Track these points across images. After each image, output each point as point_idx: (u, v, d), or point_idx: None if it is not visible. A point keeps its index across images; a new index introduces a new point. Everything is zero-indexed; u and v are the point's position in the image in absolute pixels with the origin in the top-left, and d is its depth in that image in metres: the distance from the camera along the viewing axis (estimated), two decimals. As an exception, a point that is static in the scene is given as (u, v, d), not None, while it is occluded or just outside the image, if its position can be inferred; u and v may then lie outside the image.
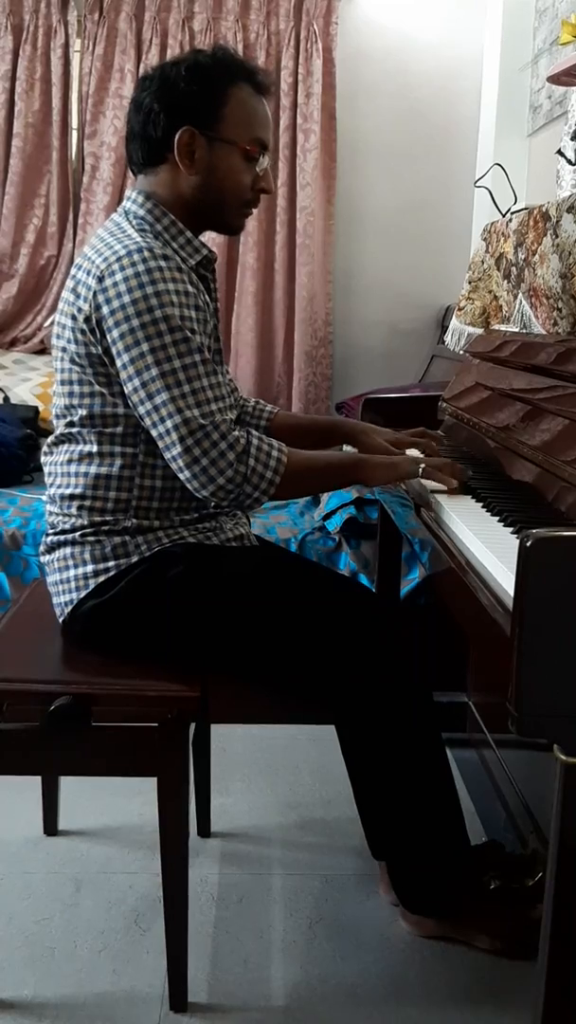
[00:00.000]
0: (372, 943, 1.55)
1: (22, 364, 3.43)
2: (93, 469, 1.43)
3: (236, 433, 1.37)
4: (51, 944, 1.54)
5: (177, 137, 1.41)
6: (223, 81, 1.42)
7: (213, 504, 1.46)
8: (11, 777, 1.47)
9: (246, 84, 1.44)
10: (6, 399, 3.25)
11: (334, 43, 3.40)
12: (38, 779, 1.78)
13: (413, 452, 1.64)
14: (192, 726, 1.51)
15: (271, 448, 1.40)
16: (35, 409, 3.21)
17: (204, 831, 1.85)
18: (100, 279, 1.35)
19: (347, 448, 1.71)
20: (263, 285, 3.49)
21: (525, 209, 1.92)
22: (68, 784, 1.85)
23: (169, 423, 1.33)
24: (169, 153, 1.43)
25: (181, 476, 1.37)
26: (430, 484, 1.49)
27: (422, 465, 1.48)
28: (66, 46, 3.40)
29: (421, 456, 1.55)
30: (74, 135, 3.46)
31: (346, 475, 1.51)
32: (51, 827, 1.83)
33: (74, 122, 3.45)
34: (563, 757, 0.91)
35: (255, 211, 1.55)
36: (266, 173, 1.48)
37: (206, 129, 1.42)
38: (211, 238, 1.54)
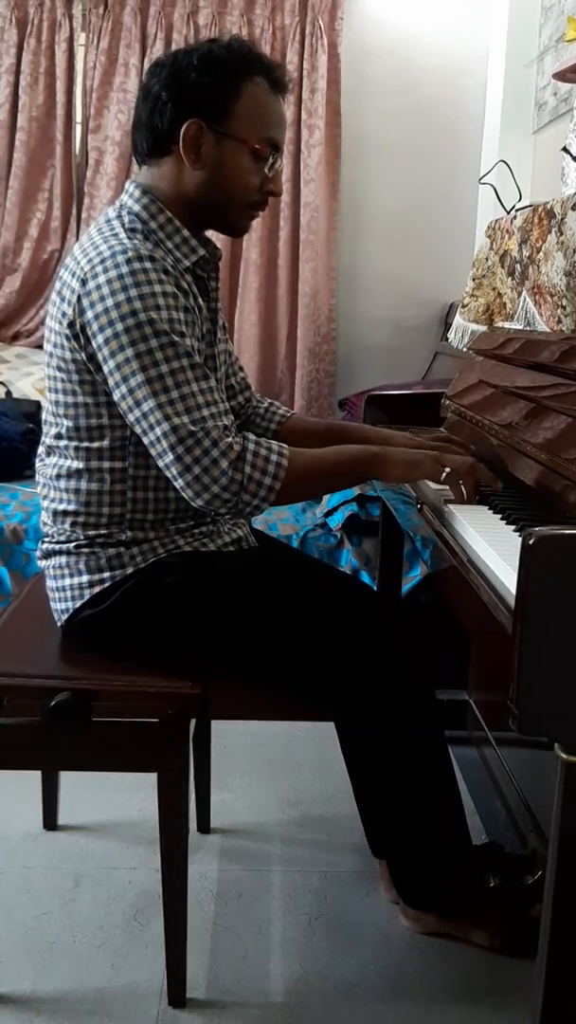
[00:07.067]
0: (371, 940, 1.55)
1: (24, 358, 3.42)
2: (84, 485, 1.40)
3: (230, 439, 1.31)
4: (50, 939, 1.54)
5: (183, 129, 1.35)
6: (237, 74, 1.35)
7: (212, 512, 1.41)
8: (11, 772, 1.47)
9: (262, 79, 1.37)
10: (8, 393, 3.24)
11: (339, 39, 3.39)
12: (38, 774, 1.78)
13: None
14: (192, 722, 1.51)
15: (269, 452, 1.33)
16: (37, 403, 3.19)
17: (204, 827, 1.85)
18: (83, 282, 1.31)
19: None
20: (266, 281, 3.48)
21: (530, 206, 1.92)
22: (68, 779, 1.85)
23: (158, 430, 1.29)
24: (175, 146, 1.37)
25: (176, 484, 1.32)
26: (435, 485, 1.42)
27: (447, 469, 1.37)
28: (70, 40, 3.39)
29: (445, 456, 1.42)
30: (78, 129, 3.45)
31: (361, 471, 1.44)
32: (51, 822, 1.83)
33: (78, 116, 3.44)
34: (564, 755, 0.91)
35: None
36: (276, 175, 1.41)
37: (215, 123, 1.35)
38: (215, 234, 1.50)
